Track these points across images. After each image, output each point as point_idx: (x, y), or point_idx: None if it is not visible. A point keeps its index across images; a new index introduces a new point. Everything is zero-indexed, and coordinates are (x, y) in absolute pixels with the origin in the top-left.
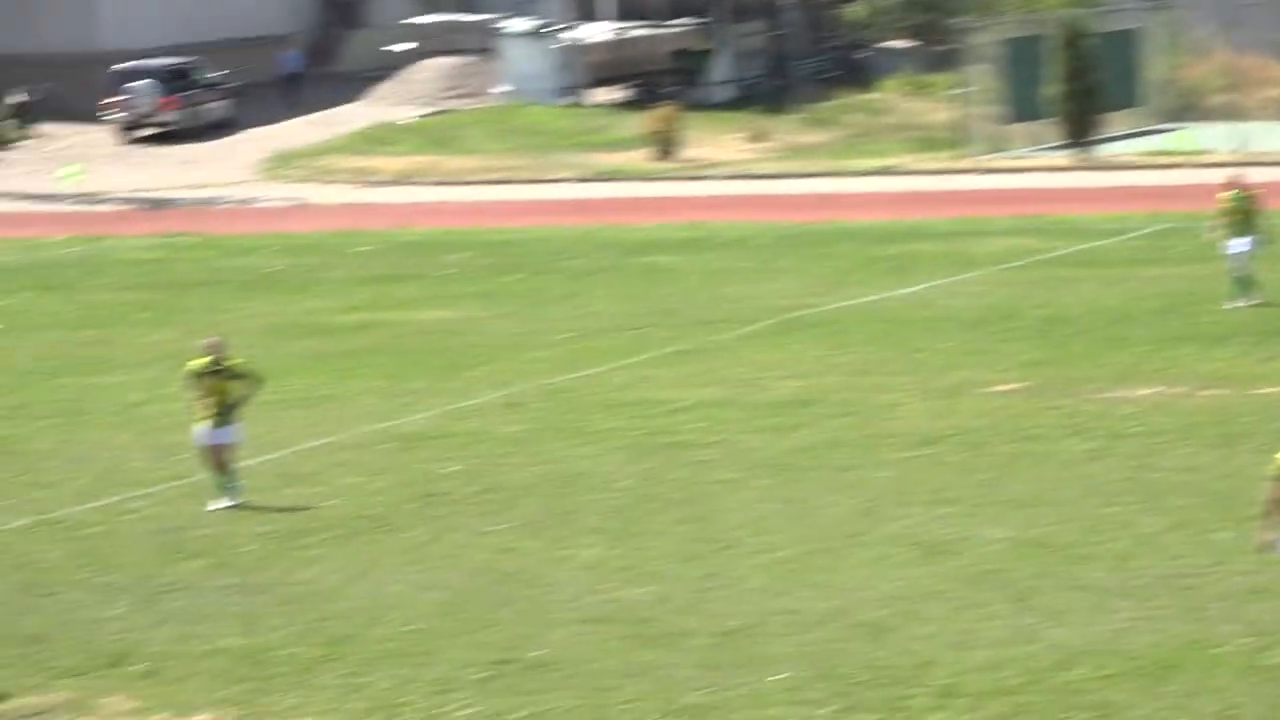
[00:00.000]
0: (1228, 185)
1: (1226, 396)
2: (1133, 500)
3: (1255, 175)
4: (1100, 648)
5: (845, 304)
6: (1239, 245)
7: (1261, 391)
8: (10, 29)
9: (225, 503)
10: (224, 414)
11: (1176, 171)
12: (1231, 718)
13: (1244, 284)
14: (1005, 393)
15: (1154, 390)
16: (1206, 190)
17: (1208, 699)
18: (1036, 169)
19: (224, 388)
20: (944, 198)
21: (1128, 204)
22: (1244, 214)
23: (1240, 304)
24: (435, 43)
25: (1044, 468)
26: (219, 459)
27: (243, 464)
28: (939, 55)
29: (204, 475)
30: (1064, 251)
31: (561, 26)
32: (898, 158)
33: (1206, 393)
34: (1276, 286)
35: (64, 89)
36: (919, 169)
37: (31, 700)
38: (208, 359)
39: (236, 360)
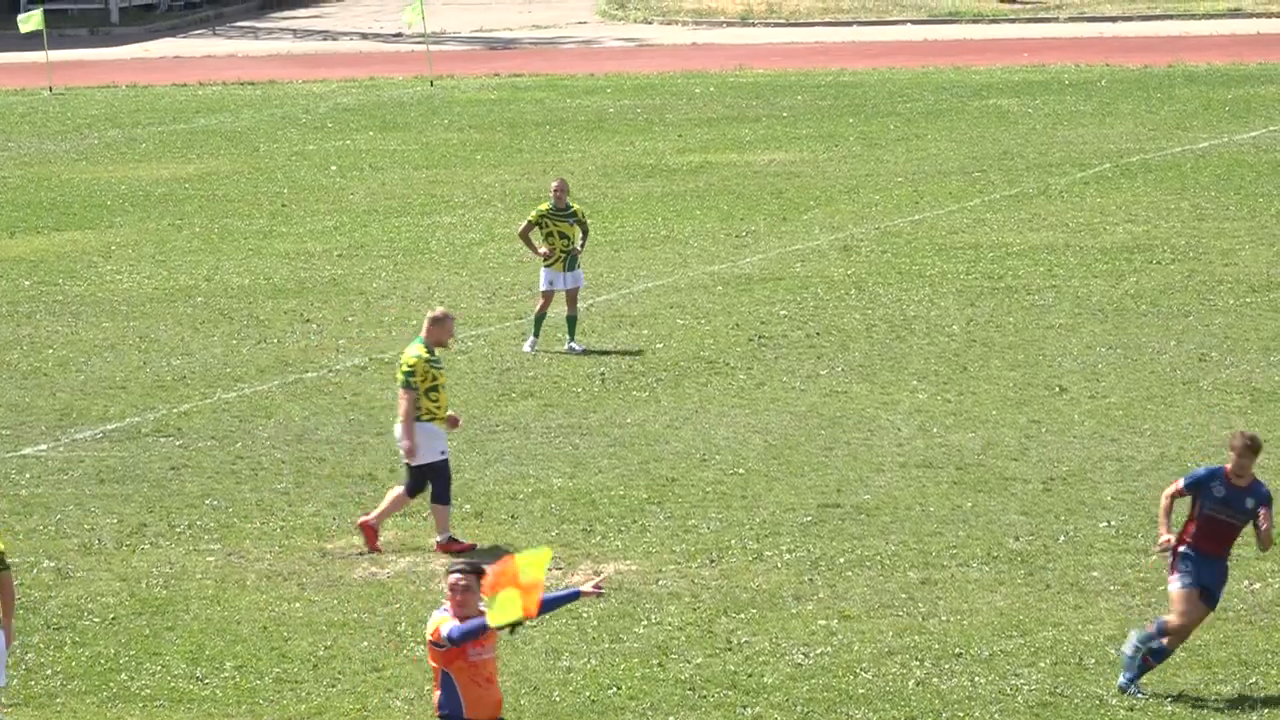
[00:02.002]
0: None
1: None
2: None
3: None
4: None
5: (1185, 148)
6: None
7: None
8: None
9: (573, 346)
10: (572, 257)
11: None
12: None
13: None
14: None
15: None
16: None
17: None
18: None
19: (570, 231)
20: None
21: None
22: None
23: None
24: None
25: None
26: (568, 302)
27: (582, 303)
28: None
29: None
30: None
31: None
32: None
33: None
34: None
35: None
36: (1266, 11)
37: (360, 540)
38: (550, 203)
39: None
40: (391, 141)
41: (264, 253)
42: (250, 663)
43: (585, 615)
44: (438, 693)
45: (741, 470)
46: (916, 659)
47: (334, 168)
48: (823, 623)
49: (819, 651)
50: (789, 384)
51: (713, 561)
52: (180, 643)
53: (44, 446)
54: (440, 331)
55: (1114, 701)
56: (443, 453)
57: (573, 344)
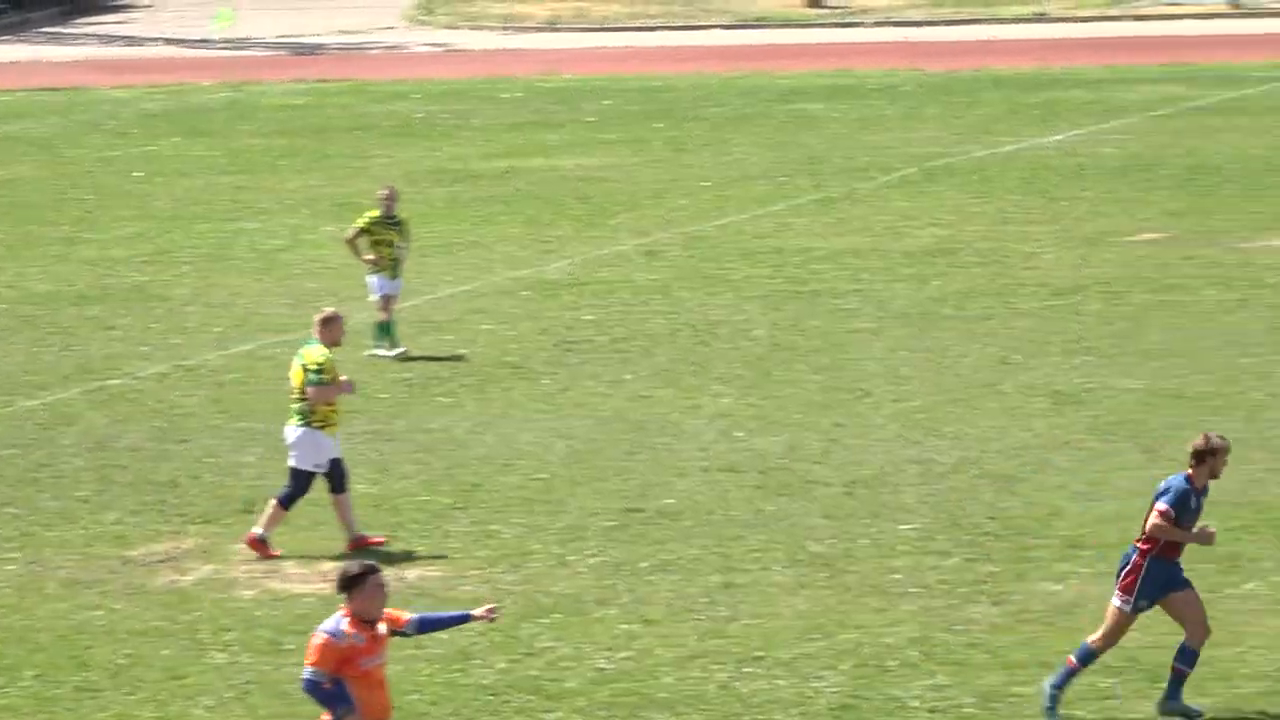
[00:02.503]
0: None
1: None
2: (1270, 351)
3: None
4: (1231, 499)
5: (990, 152)
6: None
7: None
8: None
9: (386, 351)
10: (395, 265)
11: None
12: None
13: None
14: (1146, 242)
15: None
16: None
17: None
18: (1191, 15)
19: (396, 238)
20: (1095, 44)
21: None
22: None
23: None
24: None
25: (1181, 318)
26: (387, 309)
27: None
28: None
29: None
30: (1213, 99)
31: None
32: (1050, 3)
33: None
34: None
35: None
36: (1070, 15)
37: (163, 546)
38: (380, 210)
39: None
40: (197, 147)
41: (68, 259)
42: (49, 671)
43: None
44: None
45: (545, 475)
46: (718, 663)
47: (139, 173)
48: (625, 627)
49: (621, 656)
50: (594, 389)
51: (516, 567)
52: None
53: None
54: (333, 331)
55: (914, 703)
56: (331, 460)
57: (377, 350)
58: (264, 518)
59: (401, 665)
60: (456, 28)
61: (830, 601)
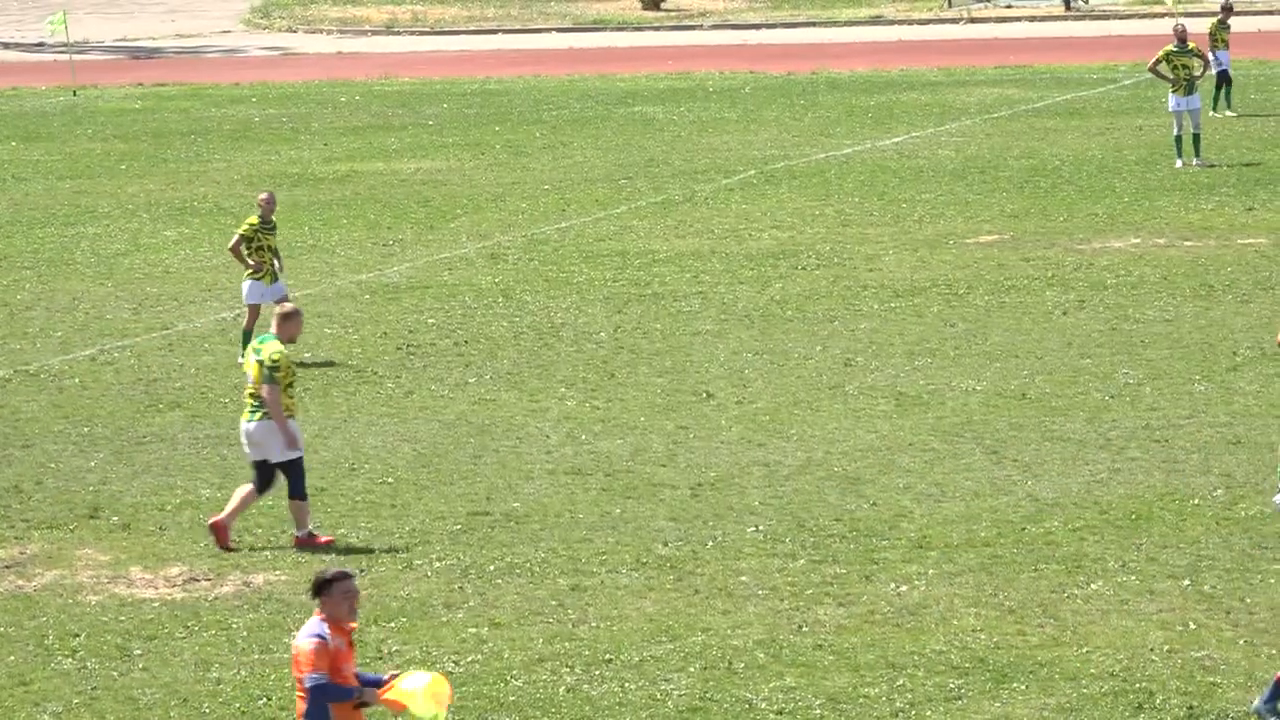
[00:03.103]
0: (1175, 36)
1: (1207, 247)
2: (1110, 352)
3: (1241, 24)
4: (1073, 500)
5: (828, 155)
6: (1182, 102)
7: (1243, 242)
8: None
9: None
10: (275, 271)
11: (1164, 21)
12: (1202, 570)
13: (1193, 143)
14: (985, 244)
15: (1134, 241)
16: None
17: (1179, 551)
18: (1024, 18)
19: (274, 243)
20: (930, 47)
21: (1114, 54)
22: (1188, 67)
23: (1197, 163)
24: None
25: (1022, 319)
26: (255, 317)
27: (223, 316)
28: None
29: (190, 325)
30: (1048, 102)
31: None
32: (885, 6)
33: (1187, 244)
34: (1260, 143)
35: None
36: (906, 18)
37: (8, 552)
38: (259, 216)
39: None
40: (34, 152)
41: None
42: None
43: (235, 626)
44: (302, 706)
45: (390, 479)
46: (567, 665)
47: None
48: (473, 630)
49: (470, 659)
50: (437, 392)
51: (362, 571)
52: None
53: None
54: (292, 327)
55: (763, 705)
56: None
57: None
58: (229, 507)
59: (248, 670)
60: (294, 31)
61: (678, 604)
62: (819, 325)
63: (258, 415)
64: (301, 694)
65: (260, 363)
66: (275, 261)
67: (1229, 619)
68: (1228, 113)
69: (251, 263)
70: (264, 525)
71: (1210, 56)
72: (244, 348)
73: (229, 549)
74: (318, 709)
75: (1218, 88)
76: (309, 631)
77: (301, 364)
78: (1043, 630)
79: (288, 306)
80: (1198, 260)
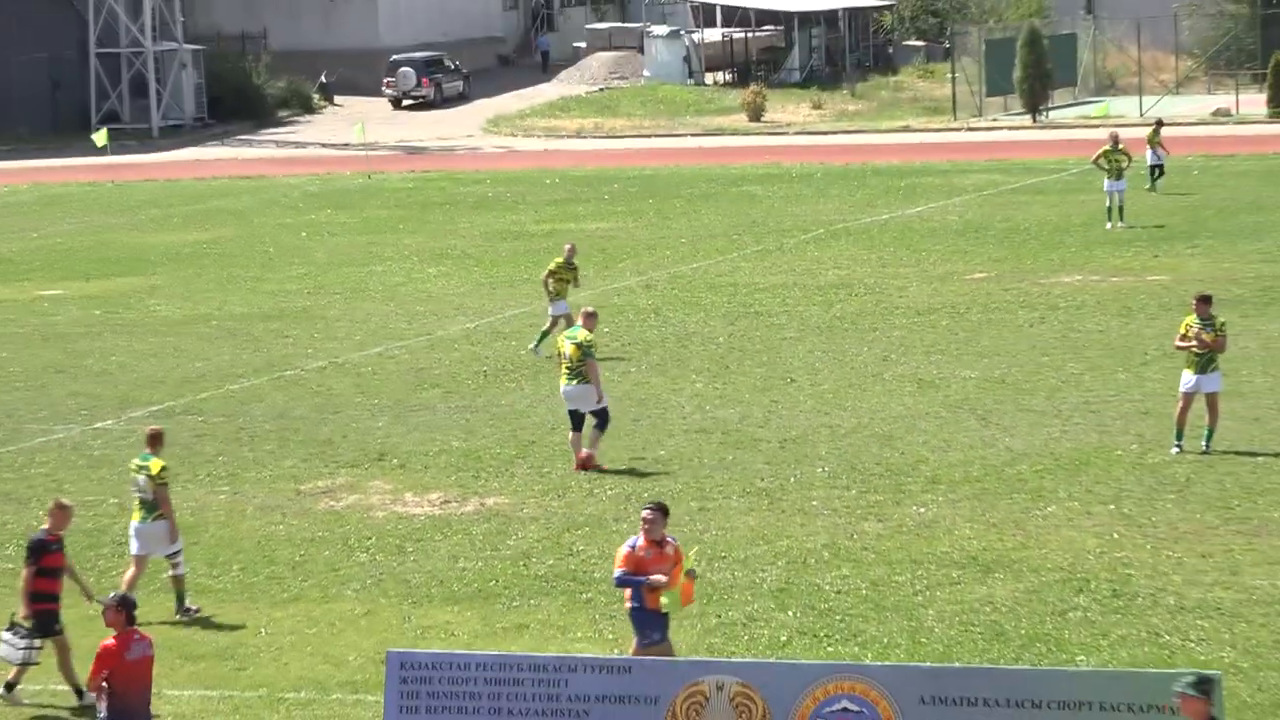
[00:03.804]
0: (1109, 140)
1: (1127, 282)
2: (1061, 352)
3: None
4: (1036, 451)
5: (872, 219)
6: (1114, 185)
7: (1152, 278)
8: (317, 31)
9: (535, 349)
10: (562, 295)
11: (1099, 130)
12: (1123, 498)
13: (1119, 212)
14: (978, 279)
15: (1078, 278)
16: (1124, 142)
17: (1107, 486)
18: (1005, 128)
19: (570, 278)
20: (942, 148)
21: (1066, 151)
22: (1118, 162)
23: (1121, 225)
24: (603, 41)
25: (1002, 330)
26: (555, 325)
27: (468, 325)
28: (941, 49)
29: (445, 331)
30: (1021, 184)
31: (689, 30)
32: (911, 120)
33: (1114, 279)
34: (1163, 212)
35: (353, 73)
36: (926, 128)
37: (324, 483)
38: (563, 259)
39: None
40: (342, 216)
41: (257, 291)
42: (249, 565)
43: (474, 533)
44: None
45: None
46: (695, 560)
47: (304, 234)
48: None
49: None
50: (610, 377)
51: (560, 496)
52: (202, 553)
53: (110, 421)
54: (593, 322)
55: (827, 588)
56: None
57: (534, 348)
58: (590, 442)
59: (484, 561)
60: (515, 135)
61: (770, 520)
62: (865, 333)
63: (575, 380)
64: None
65: (579, 344)
66: (572, 285)
67: (1141, 532)
68: (1153, 192)
69: (553, 289)
70: (493, 466)
71: (1149, 153)
72: (538, 343)
73: (597, 469)
74: (636, 594)
75: (1152, 172)
76: (627, 542)
77: (510, 356)
78: (1015, 538)
79: (590, 309)
80: (1120, 290)
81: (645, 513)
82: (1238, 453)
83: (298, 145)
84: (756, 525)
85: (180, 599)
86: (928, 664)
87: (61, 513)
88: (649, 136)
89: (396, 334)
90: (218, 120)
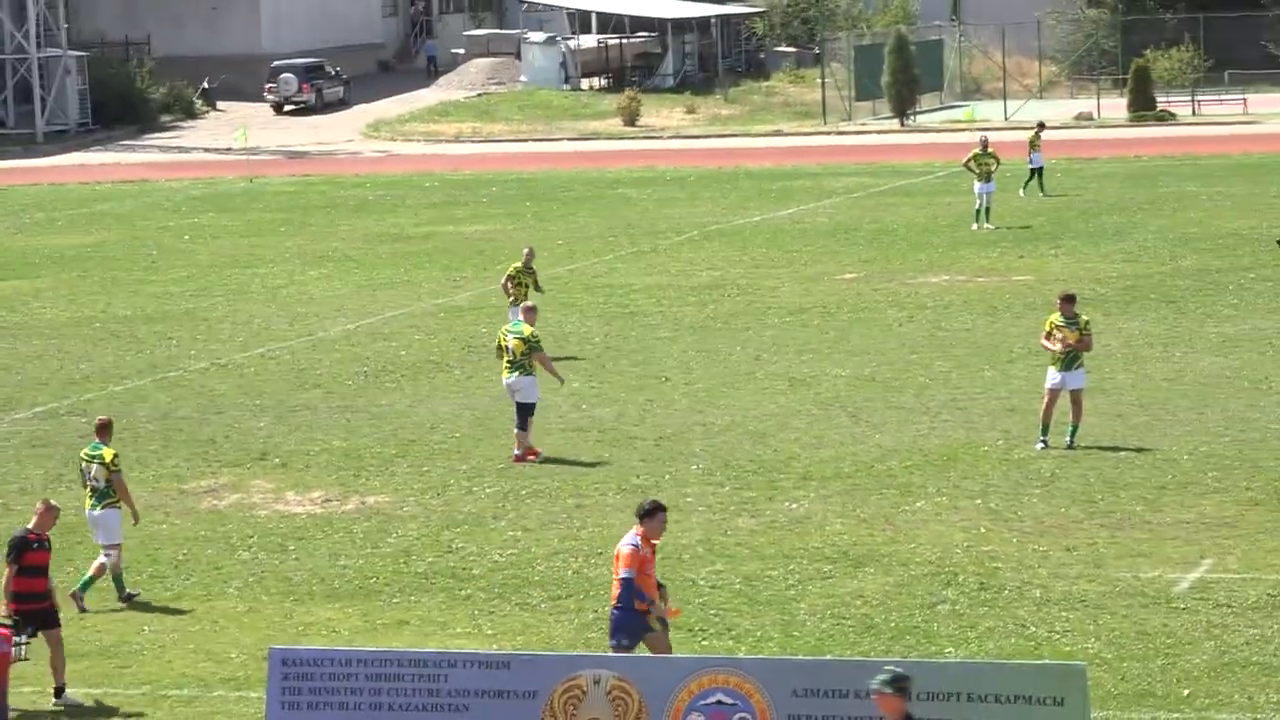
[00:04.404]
0: (979, 144)
1: (993, 282)
2: (929, 350)
3: (1017, 135)
4: (906, 447)
5: (745, 221)
6: (983, 187)
7: (1017, 279)
8: (201, 37)
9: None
10: (521, 299)
11: (964, 133)
12: (989, 493)
13: (986, 213)
14: (848, 279)
15: (945, 278)
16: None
17: (974, 480)
18: (874, 131)
19: (529, 282)
20: (813, 151)
21: (932, 155)
22: (987, 165)
23: (988, 227)
24: (481, 47)
25: (872, 329)
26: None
27: (348, 327)
28: (812, 55)
29: (326, 333)
30: (889, 186)
31: (565, 37)
32: (783, 124)
33: (980, 280)
34: (1027, 213)
35: (236, 78)
36: (797, 132)
37: (207, 482)
38: (521, 263)
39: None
40: (224, 219)
41: (140, 293)
42: (132, 564)
43: (355, 531)
44: (616, 590)
45: (457, 434)
46: (574, 556)
47: (187, 237)
48: (511, 533)
49: (509, 552)
50: (489, 376)
51: (439, 494)
52: (86, 552)
53: None
54: (533, 316)
55: (701, 582)
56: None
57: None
58: (519, 442)
59: (364, 559)
60: (394, 140)
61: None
62: (739, 333)
63: (518, 372)
64: (617, 580)
65: (523, 339)
66: (532, 289)
67: (1007, 526)
68: (1040, 195)
69: (511, 293)
70: (374, 465)
71: (1029, 155)
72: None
73: (534, 459)
74: (625, 595)
75: (1031, 175)
76: (628, 540)
77: (391, 357)
78: (885, 533)
79: (529, 304)
80: (986, 290)
81: (660, 514)
82: (1101, 448)
83: (181, 150)
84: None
85: (120, 584)
86: (800, 657)
87: (49, 512)
88: (526, 141)
89: (278, 335)
90: (102, 125)
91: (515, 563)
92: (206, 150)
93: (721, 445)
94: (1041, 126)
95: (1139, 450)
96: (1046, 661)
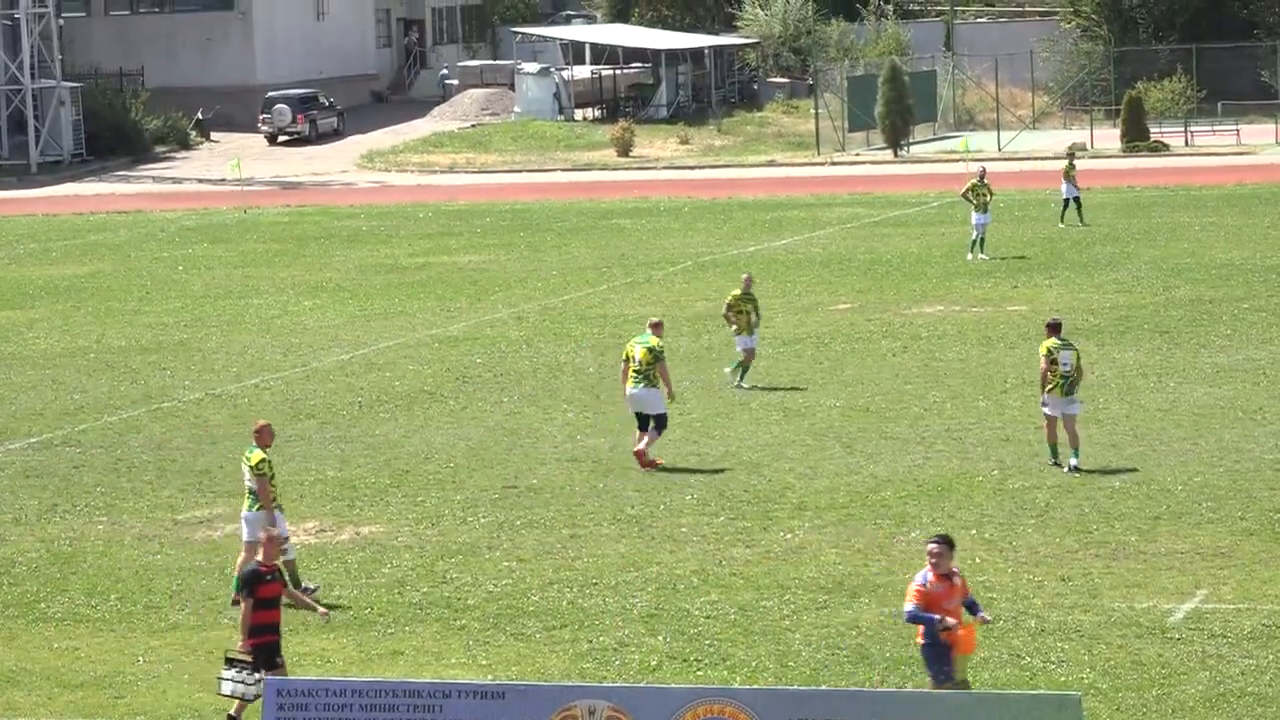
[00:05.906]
0: (977, 174)
1: (987, 312)
2: (924, 380)
3: (1010, 166)
4: (900, 477)
5: (739, 251)
6: (979, 218)
7: (1011, 309)
8: (194, 68)
9: (736, 382)
10: (750, 325)
11: (958, 164)
12: (984, 523)
13: (980, 244)
14: (842, 310)
15: (940, 308)
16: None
17: (969, 511)
18: (868, 162)
19: (750, 309)
20: (806, 181)
21: (926, 185)
22: (983, 196)
23: (983, 257)
24: (475, 78)
25: (866, 359)
26: (747, 358)
27: (342, 357)
28: (805, 86)
29: (320, 363)
30: (883, 217)
31: (558, 68)
32: (776, 155)
33: (974, 309)
34: (1022, 244)
35: (230, 109)
36: (790, 162)
37: (202, 513)
38: (741, 290)
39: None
40: (218, 250)
41: (134, 324)
42: (127, 595)
43: (349, 560)
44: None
45: (452, 464)
46: (568, 586)
47: (181, 268)
48: (506, 564)
49: (504, 582)
50: (482, 407)
51: (434, 524)
52: (80, 582)
53: None
54: (660, 330)
55: (696, 612)
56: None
57: (736, 382)
58: (648, 442)
59: (358, 590)
60: (388, 170)
61: (640, 546)
62: (733, 363)
63: (644, 383)
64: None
65: (650, 349)
66: (753, 318)
67: (1002, 556)
68: (1080, 225)
69: (734, 321)
70: (368, 495)
71: (1063, 185)
72: (735, 374)
73: (655, 468)
74: (924, 629)
75: (1066, 206)
76: (917, 577)
77: (384, 387)
78: (880, 563)
79: (656, 319)
80: (981, 320)
81: (931, 546)
82: (1095, 477)
83: (175, 180)
84: (627, 552)
85: (294, 579)
86: (795, 687)
87: (271, 543)
88: (520, 171)
89: (272, 366)
90: (96, 156)
91: (510, 593)
92: (200, 181)
93: (716, 475)
94: (1073, 155)
95: (1133, 480)
96: (1042, 692)
